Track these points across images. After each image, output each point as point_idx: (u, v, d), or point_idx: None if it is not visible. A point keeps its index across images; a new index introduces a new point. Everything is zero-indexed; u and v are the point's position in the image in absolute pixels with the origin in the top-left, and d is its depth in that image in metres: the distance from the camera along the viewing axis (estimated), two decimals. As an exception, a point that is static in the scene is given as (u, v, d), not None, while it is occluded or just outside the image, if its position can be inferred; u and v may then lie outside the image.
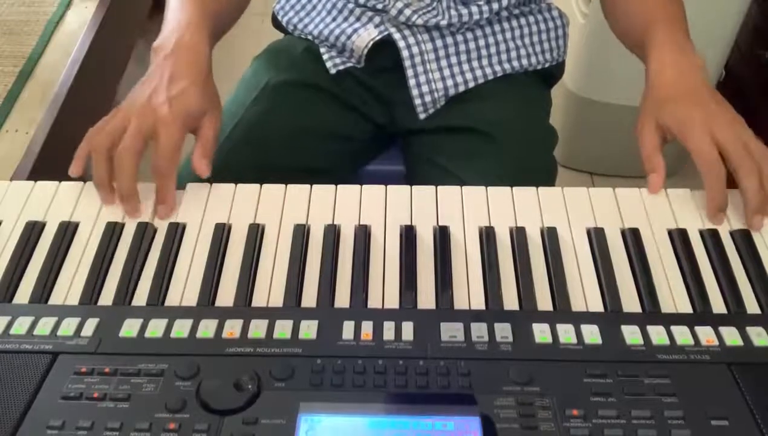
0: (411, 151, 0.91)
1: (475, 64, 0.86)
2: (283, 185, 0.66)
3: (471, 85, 0.85)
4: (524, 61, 0.88)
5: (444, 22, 0.82)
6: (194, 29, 0.69)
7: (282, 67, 0.88)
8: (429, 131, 0.87)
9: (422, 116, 0.85)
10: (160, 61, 0.67)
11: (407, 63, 0.83)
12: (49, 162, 1.01)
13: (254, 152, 0.82)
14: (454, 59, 0.85)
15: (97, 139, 0.63)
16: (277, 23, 0.96)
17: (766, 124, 1.45)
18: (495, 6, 0.84)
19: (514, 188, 0.65)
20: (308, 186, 0.66)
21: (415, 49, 0.83)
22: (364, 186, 0.66)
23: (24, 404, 0.47)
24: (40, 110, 1.07)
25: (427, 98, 0.84)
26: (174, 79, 0.65)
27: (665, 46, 0.70)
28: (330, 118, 0.87)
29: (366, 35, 0.84)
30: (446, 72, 0.85)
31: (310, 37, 0.89)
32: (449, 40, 0.84)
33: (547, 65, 0.91)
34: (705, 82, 0.68)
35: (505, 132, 0.84)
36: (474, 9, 0.82)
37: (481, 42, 0.86)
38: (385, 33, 0.83)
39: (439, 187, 0.66)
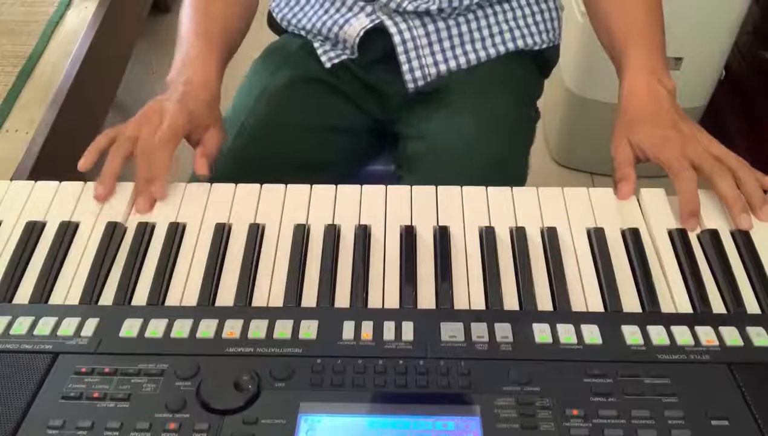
0: (395, 131, 0.91)
1: (468, 47, 0.86)
2: (283, 185, 0.66)
3: (464, 68, 0.86)
4: (519, 42, 0.88)
5: (434, 8, 0.82)
6: (203, 64, 0.74)
7: (279, 67, 0.89)
8: (416, 103, 0.87)
9: (410, 88, 0.86)
10: (171, 88, 0.72)
11: (399, 49, 0.83)
12: (49, 162, 1.01)
13: (259, 153, 0.82)
14: (446, 43, 0.85)
15: (115, 149, 0.67)
16: (272, 22, 0.96)
17: (766, 124, 1.45)
18: None
19: (515, 188, 0.65)
20: (308, 186, 0.66)
21: (407, 35, 0.83)
22: (364, 186, 0.66)
23: (24, 404, 0.47)
24: (40, 110, 1.07)
25: (420, 83, 0.85)
26: (185, 95, 0.70)
27: (639, 70, 0.72)
28: (329, 111, 0.88)
29: (357, 24, 0.84)
30: (438, 57, 0.85)
31: (303, 32, 0.90)
32: (441, 24, 0.85)
33: (543, 46, 0.91)
34: (675, 106, 0.70)
35: (484, 91, 0.85)
36: None
37: (473, 25, 0.86)
38: (377, 21, 0.83)
39: (439, 188, 0.66)
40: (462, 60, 0.86)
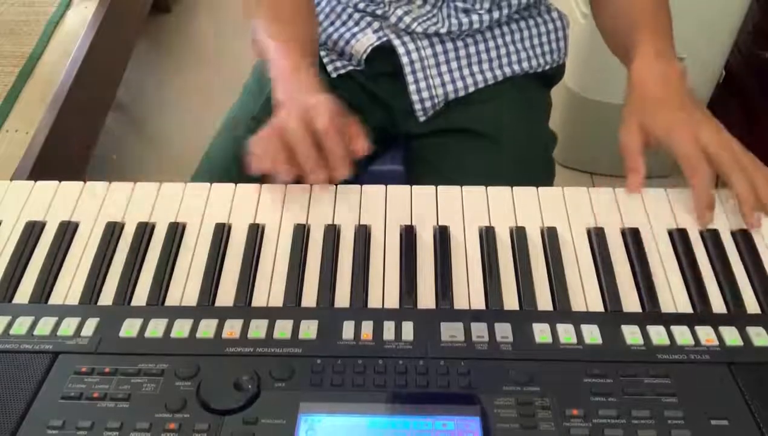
0: (411, 154, 0.91)
1: (475, 68, 0.86)
2: (283, 185, 0.66)
3: (471, 90, 0.86)
4: (524, 65, 0.88)
5: (443, 30, 0.82)
6: (305, 75, 0.70)
7: None
8: (429, 134, 0.87)
9: (422, 119, 0.86)
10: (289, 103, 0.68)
11: (407, 69, 0.83)
12: (49, 162, 1.01)
13: None
14: (454, 64, 0.85)
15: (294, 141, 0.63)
16: None
17: (766, 124, 1.45)
18: (495, 15, 0.83)
19: (514, 188, 0.65)
20: (308, 186, 0.66)
21: (414, 56, 0.83)
22: (364, 186, 0.66)
23: (24, 404, 0.47)
24: (40, 110, 1.07)
25: (427, 103, 0.85)
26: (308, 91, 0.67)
27: (649, 52, 0.71)
28: None
29: (365, 40, 0.84)
30: (446, 77, 0.85)
31: None
32: (449, 45, 0.84)
33: (547, 67, 0.91)
34: (688, 90, 0.69)
35: (505, 134, 0.84)
36: (474, 18, 0.82)
37: (481, 46, 0.86)
38: (384, 39, 0.83)
39: (439, 187, 0.66)
40: (469, 81, 0.85)
